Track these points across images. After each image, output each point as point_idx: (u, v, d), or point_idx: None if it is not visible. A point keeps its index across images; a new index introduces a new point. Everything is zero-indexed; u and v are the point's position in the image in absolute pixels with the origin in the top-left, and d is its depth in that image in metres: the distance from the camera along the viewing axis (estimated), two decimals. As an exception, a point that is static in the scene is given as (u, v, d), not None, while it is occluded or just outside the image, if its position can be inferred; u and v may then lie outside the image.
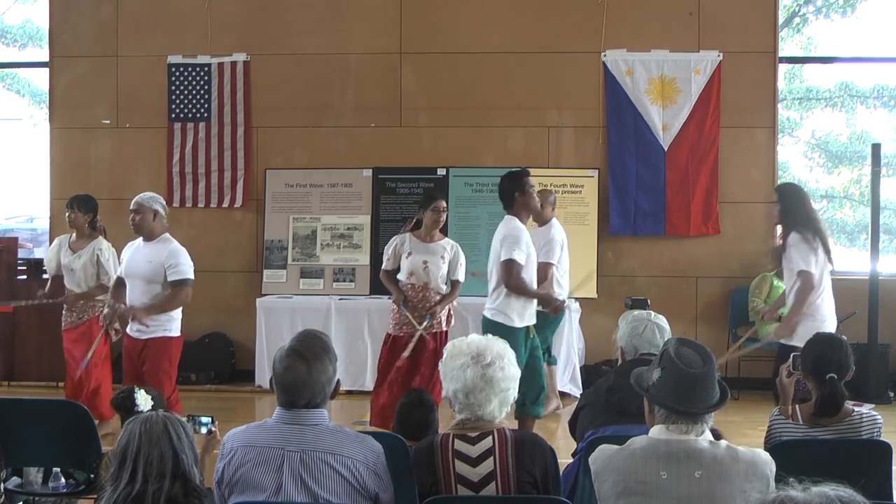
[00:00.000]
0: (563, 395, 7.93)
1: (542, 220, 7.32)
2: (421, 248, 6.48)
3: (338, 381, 2.98)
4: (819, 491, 1.70)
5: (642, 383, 2.84)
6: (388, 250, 6.65)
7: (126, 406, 4.09)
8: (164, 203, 5.94)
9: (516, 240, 5.92)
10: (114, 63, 9.22)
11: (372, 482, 2.86)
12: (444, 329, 6.51)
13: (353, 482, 2.83)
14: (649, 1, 8.81)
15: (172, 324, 5.81)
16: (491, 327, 5.99)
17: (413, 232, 6.56)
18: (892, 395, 8.15)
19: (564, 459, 3.55)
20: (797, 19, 11.20)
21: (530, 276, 6.07)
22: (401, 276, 6.54)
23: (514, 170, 6.31)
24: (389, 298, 7.63)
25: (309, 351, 2.89)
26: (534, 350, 6.12)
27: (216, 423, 3.83)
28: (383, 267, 6.71)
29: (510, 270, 5.89)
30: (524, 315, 6.01)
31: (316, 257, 8.91)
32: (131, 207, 5.85)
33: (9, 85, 12.16)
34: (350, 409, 7.44)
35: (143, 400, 4.12)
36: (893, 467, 3.61)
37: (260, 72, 9.07)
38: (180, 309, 5.85)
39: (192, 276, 5.76)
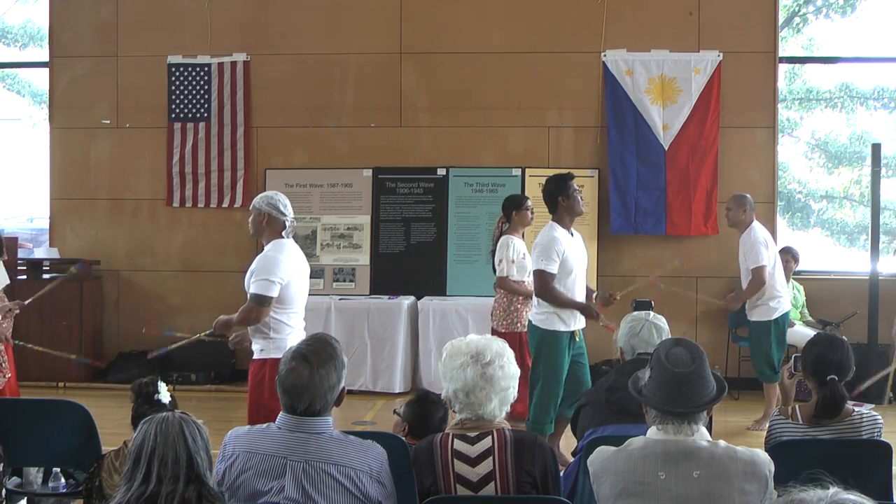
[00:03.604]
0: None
1: (742, 227, 7.31)
2: (524, 247, 6.88)
3: (342, 389, 2.94)
4: (831, 494, 1.69)
5: (636, 385, 2.85)
6: (511, 254, 6.75)
7: (147, 391, 4.02)
8: (285, 203, 4.93)
9: (547, 250, 5.87)
10: (114, 63, 9.23)
11: (375, 491, 2.84)
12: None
13: (356, 492, 2.81)
14: (649, 1, 8.81)
15: (269, 343, 4.88)
16: (533, 331, 6.05)
17: (509, 232, 6.85)
18: (892, 395, 8.14)
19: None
20: (797, 19, 11.20)
21: (566, 286, 5.94)
22: (520, 277, 6.77)
23: (560, 173, 6.26)
24: (391, 299, 7.64)
25: (314, 355, 2.87)
26: (579, 356, 6.09)
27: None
28: (507, 274, 6.76)
29: (540, 281, 5.87)
30: (567, 320, 5.96)
31: (316, 257, 8.91)
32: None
33: (9, 85, 12.14)
34: (350, 410, 7.43)
35: (164, 391, 4.08)
36: (893, 467, 3.61)
37: (260, 72, 9.07)
38: (284, 327, 4.88)
39: (268, 292, 4.74)
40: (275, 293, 4.76)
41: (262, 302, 4.76)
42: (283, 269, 4.78)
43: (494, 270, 6.91)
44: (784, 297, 7.35)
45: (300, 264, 4.99)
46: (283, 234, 4.89)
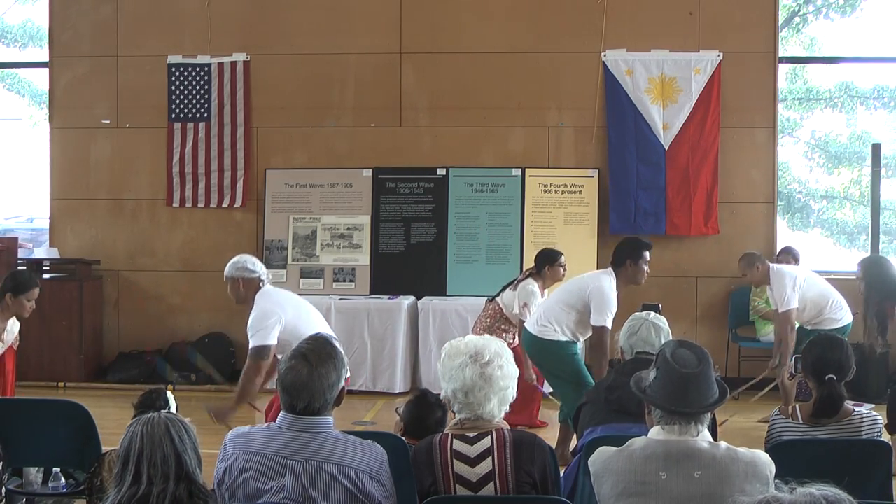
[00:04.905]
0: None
1: (765, 279, 7.14)
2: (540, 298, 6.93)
3: (342, 389, 2.94)
4: (805, 491, 1.70)
5: (640, 385, 2.85)
6: (532, 302, 6.77)
7: (158, 406, 3.98)
8: (252, 262, 5.24)
9: (610, 306, 5.95)
10: (114, 63, 9.22)
11: (375, 491, 2.84)
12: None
13: (356, 492, 2.81)
14: (649, 1, 8.81)
15: None
16: (541, 344, 6.10)
17: (535, 279, 6.89)
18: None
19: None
20: (797, 19, 11.20)
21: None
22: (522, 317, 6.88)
23: (639, 239, 6.33)
24: (391, 299, 7.68)
25: (313, 354, 2.87)
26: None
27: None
28: (524, 319, 6.80)
29: (603, 337, 5.94)
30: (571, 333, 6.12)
31: (316, 257, 8.91)
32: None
33: (9, 85, 12.15)
34: (350, 410, 7.43)
35: (173, 403, 4.07)
36: (893, 467, 3.61)
37: (260, 72, 9.07)
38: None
39: (265, 341, 4.99)
40: (272, 340, 4.99)
41: (261, 354, 5.00)
42: (274, 311, 5.03)
43: (496, 295, 7.05)
44: (845, 308, 6.97)
45: (291, 298, 5.29)
46: (261, 285, 5.17)
